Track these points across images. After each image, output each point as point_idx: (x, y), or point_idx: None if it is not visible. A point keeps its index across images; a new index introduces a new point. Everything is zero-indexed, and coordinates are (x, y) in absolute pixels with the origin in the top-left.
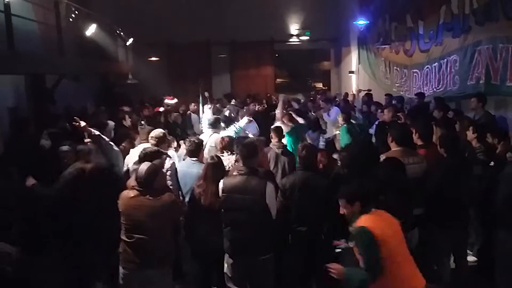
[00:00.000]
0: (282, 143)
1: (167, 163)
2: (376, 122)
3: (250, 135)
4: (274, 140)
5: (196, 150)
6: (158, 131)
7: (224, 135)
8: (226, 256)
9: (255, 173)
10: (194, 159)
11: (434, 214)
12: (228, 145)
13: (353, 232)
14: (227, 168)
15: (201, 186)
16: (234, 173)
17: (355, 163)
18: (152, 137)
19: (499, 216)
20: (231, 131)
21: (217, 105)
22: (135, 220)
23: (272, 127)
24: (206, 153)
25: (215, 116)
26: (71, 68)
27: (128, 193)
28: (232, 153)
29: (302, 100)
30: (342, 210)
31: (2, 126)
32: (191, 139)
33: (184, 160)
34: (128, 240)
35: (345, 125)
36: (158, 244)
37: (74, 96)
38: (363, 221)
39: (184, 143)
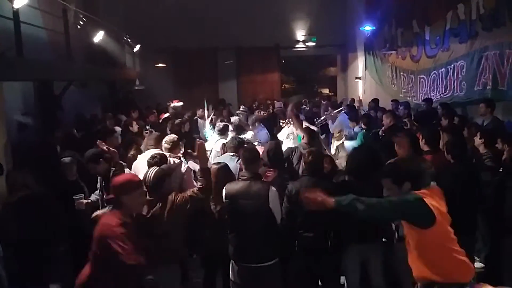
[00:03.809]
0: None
1: (183, 167)
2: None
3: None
4: (303, 140)
5: (238, 147)
6: (172, 136)
7: (225, 142)
8: (232, 262)
9: (257, 178)
10: (233, 153)
11: None
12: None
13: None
14: None
15: None
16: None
17: (357, 168)
18: (166, 141)
19: (508, 223)
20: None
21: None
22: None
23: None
24: (212, 158)
25: (224, 123)
26: (79, 74)
27: None
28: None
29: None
30: (387, 192)
31: (11, 132)
32: (234, 138)
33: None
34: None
35: (364, 130)
36: (165, 244)
37: (82, 103)
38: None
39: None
